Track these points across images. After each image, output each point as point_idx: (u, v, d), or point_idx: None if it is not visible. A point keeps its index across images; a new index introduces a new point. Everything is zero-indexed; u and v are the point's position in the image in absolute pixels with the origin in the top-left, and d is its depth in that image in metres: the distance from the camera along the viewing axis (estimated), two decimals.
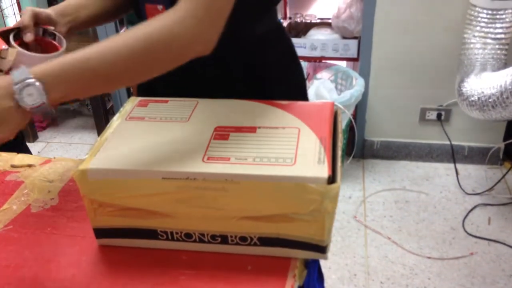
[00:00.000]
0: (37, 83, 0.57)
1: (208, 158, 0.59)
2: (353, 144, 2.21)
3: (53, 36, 0.86)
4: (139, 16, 0.87)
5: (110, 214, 0.63)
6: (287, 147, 0.60)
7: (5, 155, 0.96)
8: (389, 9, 1.95)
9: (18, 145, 1.34)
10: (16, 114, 0.58)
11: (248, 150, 0.60)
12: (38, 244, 0.70)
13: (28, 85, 0.57)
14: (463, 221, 1.87)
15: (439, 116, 2.14)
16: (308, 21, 2.32)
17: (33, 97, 0.57)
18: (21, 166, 0.91)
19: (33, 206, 0.79)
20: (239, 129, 0.64)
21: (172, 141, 0.64)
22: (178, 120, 0.69)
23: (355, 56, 2.10)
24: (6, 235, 0.73)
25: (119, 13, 0.96)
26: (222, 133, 0.64)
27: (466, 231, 1.82)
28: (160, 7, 0.78)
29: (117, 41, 0.60)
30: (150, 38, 0.60)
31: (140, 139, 0.65)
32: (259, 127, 0.65)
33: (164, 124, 0.68)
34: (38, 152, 2.45)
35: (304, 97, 1.01)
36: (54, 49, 0.85)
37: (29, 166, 0.92)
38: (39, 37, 0.85)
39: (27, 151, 1.36)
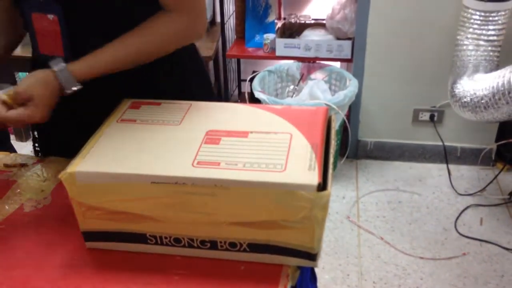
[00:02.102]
0: (78, 86, 0.78)
1: (198, 163, 0.59)
2: (347, 144, 2.21)
3: None
4: (26, 27, 0.88)
5: (99, 217, 0.63)
6: (278, 152, 0.59)
7: None
8: (383, 11, 1.96)
9: (3, 143, 1.33)
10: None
11: (239, 155, 0.59)
12: (31, 244, 0.70)
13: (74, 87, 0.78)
14: (455, 221, 1.88)
15: (432, 117, 2.15)
16: (303, 21, 2.32)
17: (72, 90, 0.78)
18: (14, 166, 0.90)
19: (25, 206, 0.79)
20: (230, 134, 0.64)
21: (163, 145, 0.63)
22: (170, 123, 0.68)
23: (349, 57, 2.10)
24: None
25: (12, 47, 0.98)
26: (213, 138, 0.64)
27: (458, 232, 1.83)
28: (51, 16, 0.81)
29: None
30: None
31: (130, 142, 0.65)
32: (251, 132, 0.64)
33: (155, 127, 0.68)
34: (31, 151, 2.43)
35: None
36: None
37: (22, 165, 0.91)
38: None
39: (12, 149, 1.34)
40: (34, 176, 0.88)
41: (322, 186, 0.55)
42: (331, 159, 0.60)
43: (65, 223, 0.74)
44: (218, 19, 2.47)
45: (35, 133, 1.05)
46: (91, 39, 0.81)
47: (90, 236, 0.66)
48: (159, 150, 0.62)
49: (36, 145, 1.05)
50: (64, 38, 0.83)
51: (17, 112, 0.75)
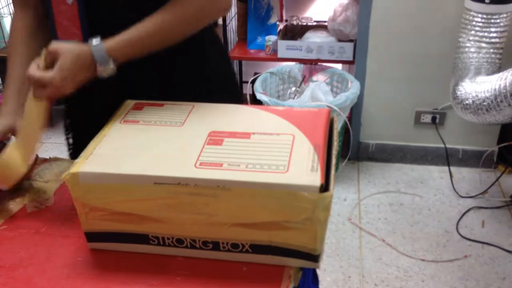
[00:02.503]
0: (112, 65, 0.76)
1: (200, 164, 0.59)
2: (349, 146, 2.21)
3: None
4: (46, 14, 0.86)
5: (102, 218, 0.63)
6: (280, 154, 0.60)
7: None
8: (384, 13, 1.96)
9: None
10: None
11: (241, 156, 0.60)
12: (33, 244, 0.70)
13: (107, 64, 0.75)
14: (457, 224, 1.88)
15: (434, 119, 2.14)
16: (304, 23, 2.32)
17: (108, 72, 0.76)
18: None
19: (28, 206, 0.79)
20: (233, 135, 0.64)
21: (166, 146, 0.64)
22: (173, 124, 0.69)
23: (350, 59, 2.11)
24: (1, 235, 0.73)
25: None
26: (216, 138, 0.64)
27: (460, 234, 1.83)
28: (70, 1, 0.80)
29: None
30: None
31: (133, 143, 0.65)
32: (254, 133, 0.64)
33: (158, 128, 0.68)
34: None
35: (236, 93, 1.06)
36: None
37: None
38: None
39: None
40: (37, 177, 0.88)
41: (325, 187, 0.55)
42: (333, 161, 0.60)
43: (68, 223, 0.74)
44: (220, 21, 2.47)
45: (69, 140, 1.04)
46: (110, 26, 0.78)
47: (93, 236, 0.66)
48: (162, 151, 0.63)
49: (71, 151, 1.05)
50: (83, 24, 0.81)
51: (40, 73, 0.71)
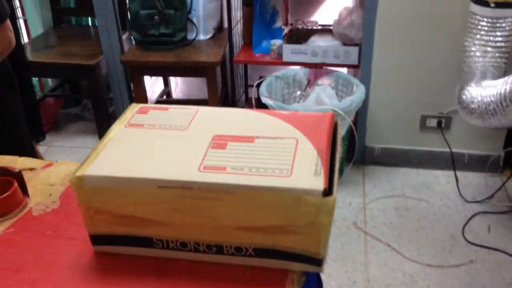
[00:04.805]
0: None
1: (204, 167, 0.59)
2: (354, 150, 2.21)
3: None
4: None
5: (106, 221, 0.63)
6: (284, 158, 0.60)
7: (7, 158, 0.97)
8: (389, 17, 1.96)
9: (27, 148, 1.35)
10: None
11: (245, 160, 0.60)
12: (39, 247, 0.71)
13: None
14: (463, 228, 1.87)
15: (439, 123, 2.14)
16: (310, 27, 2.32)
17: None
18: (23, 169, 0.91)
19: (34, 209, 0.80)
20: (237, 138, 0.65)
21: (170, 149, 0.64)
22: (177, 128, 0.69)
23: (356, 63, 2.11)
24: (7, 238, 0.73)
25: None
26: (219, 142, 0.64)
27: (466, 239, 1.82)
28: None
29: None
30: None
31: (138, 146, 0.65)
32: (257, 137, 0.65)
33: (162, 132, 0.68)
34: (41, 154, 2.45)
35: None
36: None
37: (31, 169, 0.92)
38: None
39: (33, 155, 1.36)
40: (43, 180, 0.89)
41: (328, 191, 0.55)
42: (337, 165, 0.60)
43: (73, 226, 0.74)
44: (226, 25, 2.48)
45: None
46: None
47: (98, 239, 0.66)
48: (166, 154, 0.63)
49: None
50: None
51: None
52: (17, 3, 2.59)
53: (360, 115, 2.16)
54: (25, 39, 2.68)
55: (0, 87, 1.24)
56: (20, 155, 0.99)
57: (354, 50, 2.08)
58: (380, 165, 2.28)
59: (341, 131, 0.69)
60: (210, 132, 0.66)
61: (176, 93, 2.97)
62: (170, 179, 0.58)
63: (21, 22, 2.64)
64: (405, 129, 2.20)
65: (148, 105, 0.77)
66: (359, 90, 1.96)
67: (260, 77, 2.30)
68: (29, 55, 2.38)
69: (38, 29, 2.69)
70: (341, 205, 2.03)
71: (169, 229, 0.62)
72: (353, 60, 2.10)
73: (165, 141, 0.66)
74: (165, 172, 0.59)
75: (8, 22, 1.12)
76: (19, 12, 2.62)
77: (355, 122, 2.15)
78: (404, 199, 2.06)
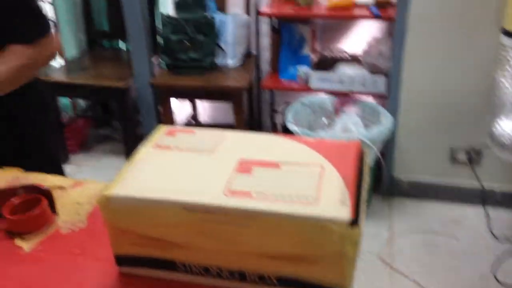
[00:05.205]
0: None
1: (229, 192, 0.59)
2: (381, 181, 2.17)
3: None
4: None
5: (131, 242, 0.63)
6: (309, 185, 0.59)
7: (38, 176, 0.99)
8: (418, 47, 1.95)
9: (56, 167, 1.38)
10: None
11: (270, 186, 0.59)
12: (64, 266, 0.71)
13: None
14: (495, 269, 1.79)
15: (469, 157, 2.09)
16: (337, 55, 2.33)
17: None
18: (52, 187, 0.93)
19: (62, 228, 0.81)
20: (262, 164, 0.64)
21: (195, 172, 0.64)
22: (204, 151, 0.69)
23: (383, 92, 2.09)
24: (34, 255, 0.74)
25: None
26: (245, 167, 0.64)
27: (497, 280, 1.74)
28: None
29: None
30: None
31: (164, 168, 0.66)
32: (283, 163, 0.64)
33: (189, 155, 0.69)
34: (69, 174, 2.50)
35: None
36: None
37: (60, 187, 0.94)
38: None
39: (62, 174, 1.39)
40: (71, 198, 0.90)
41: (354, 221, 0.53)
42: (364, 195, 0.59)
43: (99, 246, 0.74)
44: (253, 51, 2.52)
45: None
46: None
47: (123, 260, 0.66)
48: (192, 177, 0.63)
49: None
50: None
51: None
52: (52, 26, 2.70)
53: (388, 145, 2.13)
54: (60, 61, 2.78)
55: (33, 106, 1.27)
56: (49, 173, 1.01)
57: (382, 79, 2.08)
58: (408, 198, 2.23)
59: (368, 160, 0.68)
60: (236, 156, 0.66)
61: (203, 117, 3.01)
62: (194, 202, 0.58)
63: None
64: (434, 161, 2.15)
65: (176, 127, 0.78)
66: (386, 120, 1.94)
67: (286, 103, 2.31)
68: (63, 77, 2.46)
69: (72, 51, 2.79)
70: (367, 237, 1.97)
71: (192, 253, 0.62)
72: (381, 89, 2.09)
73: (191, 164, 0.66)
74: (190, 195, 0.59)
75: (52, 34, 1.17)
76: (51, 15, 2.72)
77: (382, 152, 2.12)
78: (432, 235, 1.99)
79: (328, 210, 0.54)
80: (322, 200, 0.56)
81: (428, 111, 2.05)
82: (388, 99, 2.07)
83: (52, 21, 2.69)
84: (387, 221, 2.07)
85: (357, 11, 2.13)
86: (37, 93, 1.26)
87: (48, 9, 2.67)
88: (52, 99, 2.46)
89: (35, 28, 1.14)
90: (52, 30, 1.18)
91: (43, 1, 2.63)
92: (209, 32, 2.34)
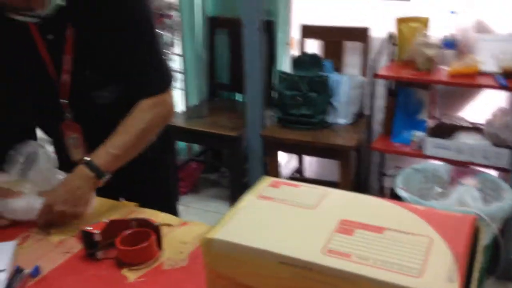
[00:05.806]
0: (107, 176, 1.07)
1: (328, 251, 0.58)
2: (498, 262, 1.94)
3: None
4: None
5: (227, 287, 0.64)
6: (414, 256, 0.55)
7: (151, 212, 1.06)
8: None
9: (171, 206, 1.47)
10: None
11: (371, 251, 0.57)
12: None
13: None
14: None
15: None
16: (456, 123, 2.21)
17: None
18: (162, 224, 0.99)
19: (165, 264, 0.85)
20: (365, 227, 0.62)
21: (295, 227, 0.64)
22: (306, 206, 0.69)
23: (507, 166, 1.91)
24: (137, 286, 0.79)
25: None
26: (346, 227, 0.62)
27: None
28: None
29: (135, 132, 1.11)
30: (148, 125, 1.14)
31: (265, 218, 0.67)
32: (387, 229, 0.61)
33: (291, 208, 0.69)
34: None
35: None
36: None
37: (168, 225, 1.00)
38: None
39: (175, 212, 1.46)
40: (177, 237, 0.95)
41: None
42: (476, 275, 0.53)
43: (197, 286, 0.77)
44: (366, 111, 2.50)
45: None
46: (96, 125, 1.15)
47: None
48: (291, 231, 0.63)
49: None
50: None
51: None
52: (179, 75, 2.97)
53: (509, 224, 1.92)
54: (182, 107, 3.04)
55: (163, 146, 1.36)
56: (164, 211, 1.08)
57: (506, 152, 1.91)
58: None
59: (484, 238, 0.62)
60: (338, 215, 0.65)
61: (308, 172, 3.02)
62: (291, 256, 0.58)
63: (180, 92, 3.00)
64: None
65: (280, 179, 0.79)
66: (509, 197, 1.76)
67: (397, 168, 2.22)
68: (183, 122, 2.67)
69: (194, 99, 3.02)
70: None
71: None
72: (504, 163, 1.92)
73: (291, 218, 0.66)
74: (287, 248, 0.59)
75: (172, 91, 1.23)
76: (180, 84, 2.99)
77: (502, 231, 1.91)
78: None
79: (433, 285, 0.50)
80: (427, 274, 0.52)
81: None
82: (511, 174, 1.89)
83: (179, 72, 2.97)
84: None
85: (481, 80, 2.00)
86: (168, 135, 1.37)
87: (177, 61, 2.97)
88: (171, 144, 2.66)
89: (160, 81, 1.18)
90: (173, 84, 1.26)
91: (173, 54, 2.93)
92: (322, 90, 2.39)
